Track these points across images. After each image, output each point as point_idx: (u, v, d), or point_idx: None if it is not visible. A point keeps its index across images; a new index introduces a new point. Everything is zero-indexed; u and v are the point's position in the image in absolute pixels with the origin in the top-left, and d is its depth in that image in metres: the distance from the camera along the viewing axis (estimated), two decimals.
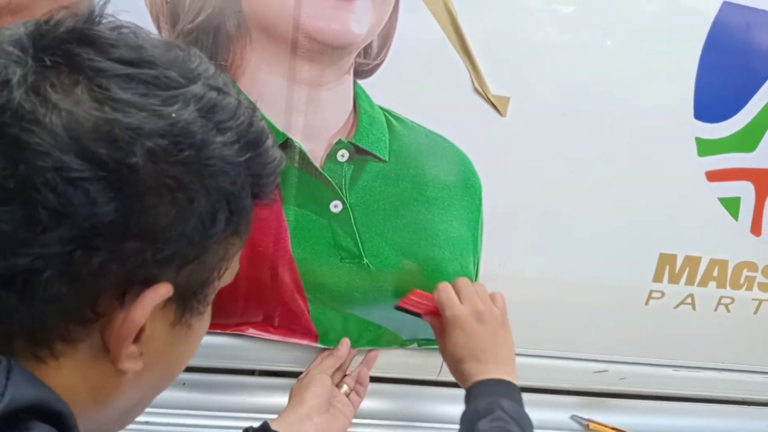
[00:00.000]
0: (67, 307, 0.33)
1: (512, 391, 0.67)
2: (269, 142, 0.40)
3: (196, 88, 0.35)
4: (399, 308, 0.75)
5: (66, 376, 0.35)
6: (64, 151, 0.30)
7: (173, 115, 0.33)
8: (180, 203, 0.34)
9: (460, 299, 0.72)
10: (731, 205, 0.80)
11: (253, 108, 0.40)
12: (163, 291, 0.35)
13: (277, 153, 0.41)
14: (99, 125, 0.31)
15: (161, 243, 0.34)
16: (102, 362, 0.36)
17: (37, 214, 0.30)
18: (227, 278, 0.42)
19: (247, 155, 0.37)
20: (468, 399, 0.67)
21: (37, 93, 0.31)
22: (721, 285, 0.84)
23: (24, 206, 0.30)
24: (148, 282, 0.35)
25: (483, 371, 0.68)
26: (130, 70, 0.33)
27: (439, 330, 0.73)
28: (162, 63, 0.35)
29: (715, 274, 0.83)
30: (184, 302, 0.38)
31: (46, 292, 0.32)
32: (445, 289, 0.73)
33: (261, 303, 0.77)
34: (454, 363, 0.71)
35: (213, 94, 0.36)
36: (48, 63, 0.32)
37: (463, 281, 0.74)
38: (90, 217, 0.31)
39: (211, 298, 0.42)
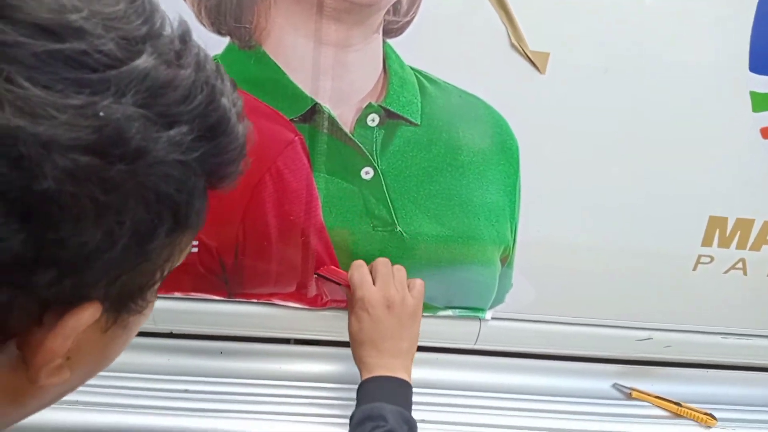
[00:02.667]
0: None
1: (404, 393, 0.66)
2: (232, 121, 0.32)
3: (140, 62, 0.27)
4: (317, 275, 0.75)
5: None
6: None
7: (101, 114, 0.25)
8: (107, 226, 0.27)
9: (374, 281, 0.70)
10: None
11: (216, 68, 0.32)
12: (87, 315, 0.29)
13: (240, 134, 0.33)
14: None
15: (83, 271, 0.28)
16: (20, 372, 0.30)
17: None
18: (177, 264, 0.36)
19: (202, 149, 0.30)
20: (359, 395, 0.67)
21: None
22: None
23: None
24: (71, 303, 0.29)
25: (379, 365, 0.67)
26: (47, 45, 0.25)
27: (350, 307, 0.72)
28: (93, 25, 0.26)
29: None
30: (118, 309, 0.33)
31: None
32: (359, 269, 0.71)
33: (294, 272, 0.76)
34: (355, 345, 0.70)
35: (162, 69, 0.28)
36: None
37: (382, 262, 0.72)
38: None
39: (154, 295, 0.36)
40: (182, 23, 0.31)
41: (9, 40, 0.24)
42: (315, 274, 0.76)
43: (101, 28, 0.26)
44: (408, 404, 0.67)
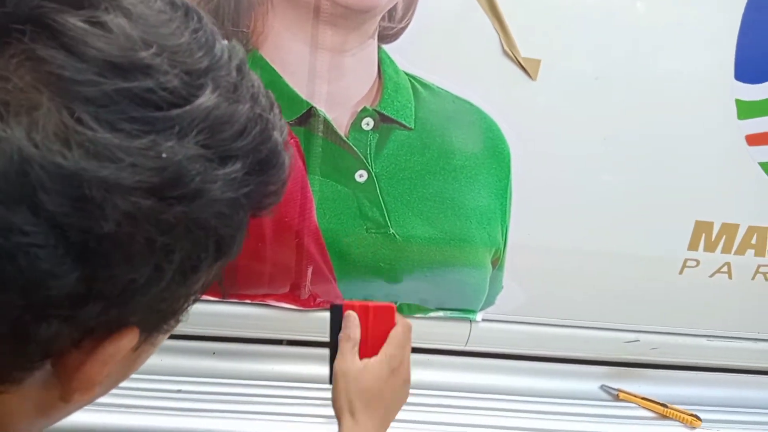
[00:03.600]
0: (8, 358, 0.27)
1: None
2: (282, 154, 0.32)
3: (203, 101, 0.27)
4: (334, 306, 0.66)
5: (6, 404, 0.30)
6: (11, 206, 0.23)
7: (164, 155, 0.25)
8: (157, 262, 0.27)
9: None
10: None
11: (268, 98, 0.31)
12: (126, 341, 0.29)
13: (286, 165, 0.33)
14: (62, 177, 0.23)
15: (129, 303, 0.28)
16: (51, 389, 0.30)
17: None
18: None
19: (252, 184, 0.30)
20: None
21: None
22: (759, 253, 0.81)
23: None
24: (111, 330, 0.29)
25: (357, 424, 0.59)
26: (117, 84, 0.24)
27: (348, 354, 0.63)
28: (160, 62, 0.25)
29: (753, 241, 0.80)
30: (151, 331, 0.33)
31: None
32: (405, 326, 0.64)
33: (287, 274, 0.77)
34: (345, 380, 0.61)
35: (224, 105, 0.28)
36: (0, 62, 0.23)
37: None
38: (42, 289, 0.24)
39: (185, 316, 0.35)
40: (238, 51, 0.31)
41: (81, 78, 0.24)
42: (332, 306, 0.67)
43: (167, 64, 0.26)
44: None
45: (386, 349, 0.63)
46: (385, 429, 0.61)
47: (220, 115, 0.27)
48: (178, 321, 0.35)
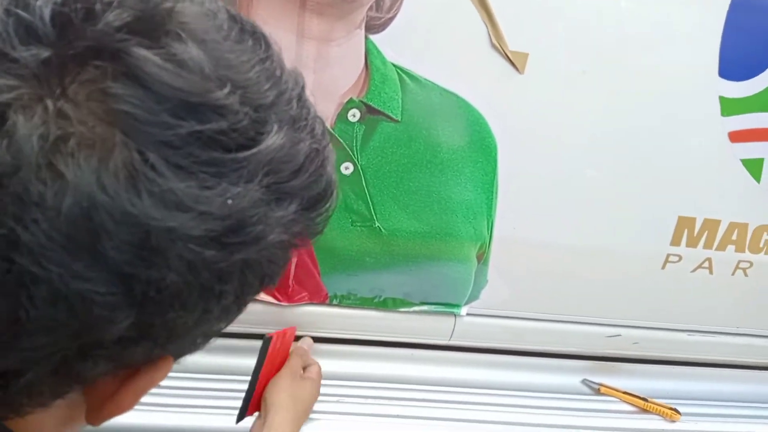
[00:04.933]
0: (45, 387, 0.26)
1: None
2: (333, 195, 0.30)
3: (270, 143, 0.25)
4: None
5: (34, 423, 0.29)
6: (73, 251, 0.21)
7: (229, 202, 0.24)
8: (207, 306, 0.26)
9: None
10: (754, 167, 0.78)
11: (323, 129, 0.30)
12: (161, 374, 0.29)
13: (335, 198, 0.31)
14: (129, 225, 0.22)
15: (173, 342, 0.28)
16: (76, 408, 0.30)
17: (23, 320, 0.22)
18: None
19: (303, 223, 0.28)
20: None
21: (54, 160, 0.21)
22: (739, 249, 0.82)
23: (10, 306, 0.22)
24: (150, 361, 0.29)
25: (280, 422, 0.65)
26: (192, 126, 0.23)
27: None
28: (233, 101, 0.24)
29: (734, 237, 0.81)
30: (183, 356, 0.32)
31: (25, 387, 0.25)
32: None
33: None
34: (290, 385, 0.70)
35: (287, 145, 0.26)
36: (71, 94, 0.21)
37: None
38: (95, 333, 0.24)
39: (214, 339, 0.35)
40: (299, 79, 0.29)
41: (154, 120, 0.22)
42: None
43: (238, 103, 0.24)
44: None
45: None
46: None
47: (282, 156, 0.26)
48: (207, 342, 0.34)
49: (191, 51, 0.23)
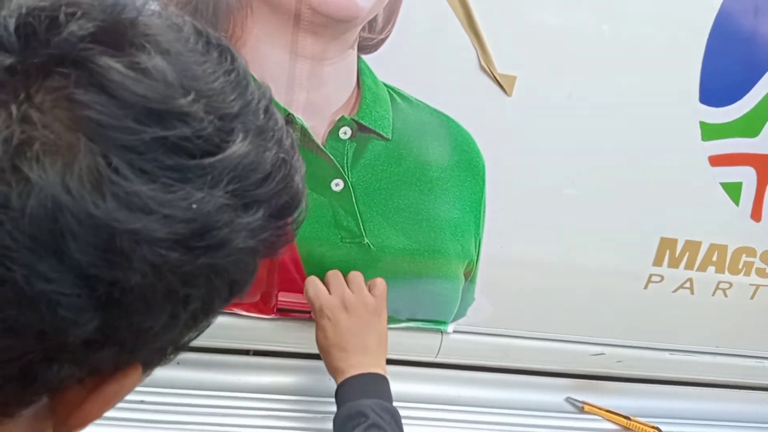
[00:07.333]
0: (9, 395, 0.26)
1: (379, 386, 0.67)
2: (302, 199, 0.31)
3: (235, 150, 0.26)
4: (280, 310, 0.75)
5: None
6: (38, 252, 0.22)
7: (194, 206, 0.24)
8: (174, 310, 0.27)
9: (329, 290, 0.72)
10: (733, 191, 0.80)
11: (291, 141, 0.30)
12: (130, 382, 0.29)
13: (303, 208, 0.32)
14: (93, 227, 0.22)
15: (142, 348, 0.27)
16: (43, 420, 0.29)
17: None
18: None
19: (270, 230, 0.29)
20: (337, 401, 0.67)
21: (19, 163, 0.21)
22: (719, 270, 0.84)
23: None
24: (118, 369, 0.28)
25: (349, 366, 0.67)
26: (156, 132, 0.23)
27: (316, 322, 0.72)
28: (197, 108, 0.25)
29: (714, 258, 0.83)
30: (153, 366, 0.32)
31: None
32: (311, 283, 0.73)
33: (259, 283, 0.75)
34: (324, 355, 0.70)
35: (253, 153, 0.27)
36: (36, 100, 0.22)
37: (332, 273, 0.74)
38: (60, 335, 0.23)
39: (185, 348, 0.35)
40: (266, 91, 0.30)
41: (119, 125, 0.23)
42: (277, 309, 0.76)
43: (203, 111, 0.25)
44: (386, 395, 0.66)
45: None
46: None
47: (248, 163, 0.26)
48: (177, 353, 0.34)
49: (155, 60, 0.24)
